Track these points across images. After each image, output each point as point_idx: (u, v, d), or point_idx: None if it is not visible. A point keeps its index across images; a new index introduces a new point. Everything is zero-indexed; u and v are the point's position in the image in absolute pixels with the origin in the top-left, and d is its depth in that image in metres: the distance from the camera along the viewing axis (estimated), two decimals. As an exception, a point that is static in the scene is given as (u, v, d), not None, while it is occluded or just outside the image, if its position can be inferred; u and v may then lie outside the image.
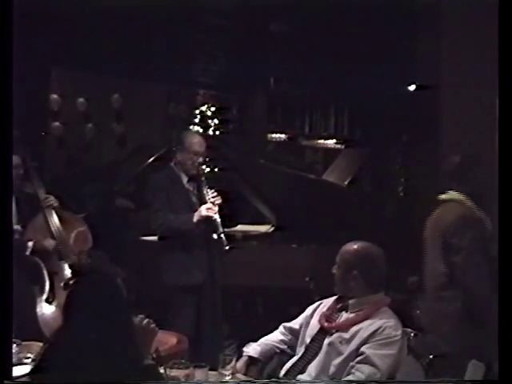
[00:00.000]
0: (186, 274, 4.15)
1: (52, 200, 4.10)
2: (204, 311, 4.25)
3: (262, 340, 3.10)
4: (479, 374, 3.36)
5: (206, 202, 4.14)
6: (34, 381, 2.21)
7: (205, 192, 4.15)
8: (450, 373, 3.37)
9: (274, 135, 9.03)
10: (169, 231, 4.13)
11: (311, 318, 3.00)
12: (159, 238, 4.28)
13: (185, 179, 4.24)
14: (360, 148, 8.18)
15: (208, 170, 7.24)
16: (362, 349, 2.70)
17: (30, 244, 3.92)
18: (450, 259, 3.52)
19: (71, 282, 3.80)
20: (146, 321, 2.34)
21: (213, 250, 4.18)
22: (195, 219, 4.10)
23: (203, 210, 4.09)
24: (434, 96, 5.90)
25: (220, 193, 4.20)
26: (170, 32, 6.93)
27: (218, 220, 4.09)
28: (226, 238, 4.06)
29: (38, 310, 3.88)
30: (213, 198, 4.13)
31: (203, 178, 4.18)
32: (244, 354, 3.02)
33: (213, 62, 8.21)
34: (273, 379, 2.95)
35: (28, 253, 3.90)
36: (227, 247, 4.03)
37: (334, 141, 9.25)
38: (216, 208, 4.11)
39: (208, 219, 4.09)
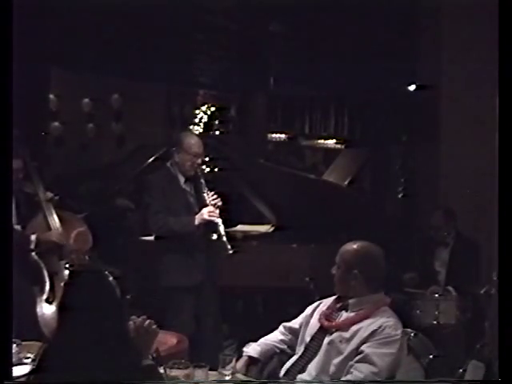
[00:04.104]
0: (186, 274, 4.14)
1: (50, 195, 4.09)
2: (204, 311, 4.25)
3: (262, 340, 3.10)
4: (479, 374, 3.37)
5: (204, 204, 4.11)
6: (34, 381, 2.21)
7: (205, 194, 4.12)
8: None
9: (273, 135, 9.05)
10: (169, 234, 4.12)
11: (311, 317, 3.00)
12: (156, 238, 4.27)
13: (182, 180, 4.22)
14: (360, 148, 8.20)
15: (208, 170, 7.26)
16: (362, 348, 2.70)
17: (33, 238, 3.91)
18: None
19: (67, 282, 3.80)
20: (147, 322, 2.34)
21: (213, 250, 4.18)
22: (197, 222, 4.07)
23: (205, 214, 4.05)
24: (434, 96, 5.90)
25: (220, 194, 4.18)
26: (170, 32, 6.92)
27: (220, 223, 4.06)
28: (228, 240, 4.03)
29: (38, 309, 3.88)
30: (213, 200, 4.12)
31: (202, 180, 4.14)
32: (244, 354, 3.02)
33: (213, 62, 8.21)
34: (273, 379, 2.95)
35: (32, 246, 3.89)
36: (231, 251, 4.00)
37: (334, 141, 9.28)
38: (217, 211, 4.08)
39: (210, 222, 4.07)
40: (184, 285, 4.13)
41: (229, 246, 4.00)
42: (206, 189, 4.13)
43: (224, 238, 4.03)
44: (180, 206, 4.18)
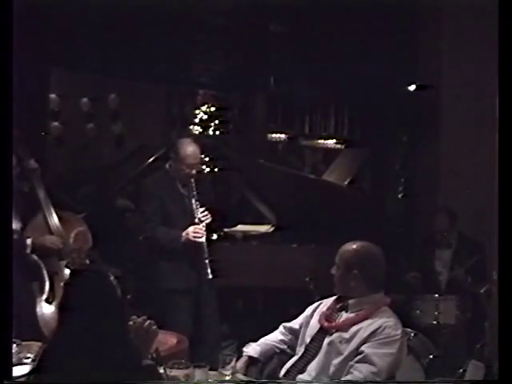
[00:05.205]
0: (185, 275, 4.15)
1: (35, 165, 4.02)
2: (204, 311, 4.25)
3: (262, 340, 3.10)
4: (479, 374, 3.37)
5: (193, 222, 4.09)
6: (34, 381, 2.21)
7: (194, 208, 4.11)
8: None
9: (274, 135, 9.04)
10: (157, 243, 4.16)
11: (311, 317, 3.00)
12: (143, 238, 4.31)
13: (180, 183, 4.22)
14: (360, 148, 8.19)
15: (208, 170, 7.26)
16: (362, 348, 2.70)
17: (29, 241, 3.90)
18: None
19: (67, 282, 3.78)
20: (147, 322, 2.34)
21: (212, 250, 4.17)
22: (182, 239, 4.08)
23: (190, 233, 4.05)
24: (434, 96, 5.90)
25: (210, 211, 4.15)
26: (170, 32, 6.92)
27: (205, 245, 4.06)
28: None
29: (38, 309, 3.87)
30: (202, 217, 4.10)
31: (194, 193, 4.12)
32: (244, 354, 3.02)
33: (213, 62, 8.21)
34: (273, 379, 2.95)
35: (28, 251, 3.88)
36: (210, 276, 4.01)
37: (334, 141, 9.27)
38: (204, 230, 4.07)
39: (195, 243, 4.07)
40: (184, 285, 4.14)
41: (210, 274, 4.01)
42: (198, 204, 4.12)
43: (206, 261, 4.03)
44: (178, 209, 4.19)
